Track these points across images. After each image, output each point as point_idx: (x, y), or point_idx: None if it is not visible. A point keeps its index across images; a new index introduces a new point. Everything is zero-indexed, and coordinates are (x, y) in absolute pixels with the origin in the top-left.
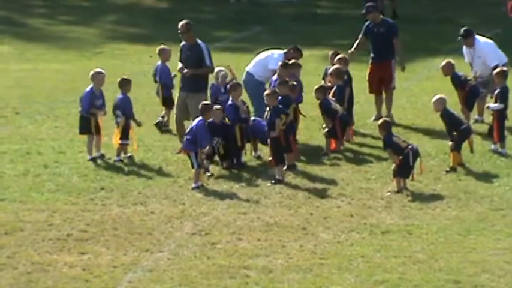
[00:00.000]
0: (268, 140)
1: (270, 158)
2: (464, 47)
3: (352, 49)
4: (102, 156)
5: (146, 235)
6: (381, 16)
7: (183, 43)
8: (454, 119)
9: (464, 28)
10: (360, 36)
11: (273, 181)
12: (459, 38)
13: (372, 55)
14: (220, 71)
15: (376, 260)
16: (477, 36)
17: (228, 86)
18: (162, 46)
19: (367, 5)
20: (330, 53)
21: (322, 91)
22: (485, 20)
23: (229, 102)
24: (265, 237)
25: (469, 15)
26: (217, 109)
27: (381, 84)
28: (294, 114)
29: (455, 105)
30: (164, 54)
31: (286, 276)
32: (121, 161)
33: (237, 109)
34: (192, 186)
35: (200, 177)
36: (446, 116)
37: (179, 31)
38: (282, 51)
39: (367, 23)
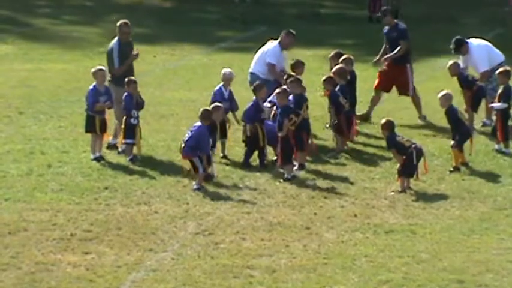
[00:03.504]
0: (279, 140)
1: (275, 157)
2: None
3: (377, 57)
4: (101, 158)
5: (150, 235)
6: (395, 20)
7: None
8: (458, 120)
9: (454, 39)
10: (384, 46)
11: (281, 180)
12: (452, 50)
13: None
14: (225, 73)
15: (379, 259)
16: (470, 41)
17: (253, 86)
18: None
19: (383, 8)
20: (333, 53)
21: (331, 82)
22: (488, 20)
23: (253, 101)
24: (268, 237)
25: (472, 15)
26: (219, 107)
27: (390, 83)
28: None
29: (458, 105)
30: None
31: (290, 276)
32: (135, 157)
33: (259, 109)
34: (194, 187)
35: (202, 180)
36: (451, 113)
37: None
38: (275, 43)
39: (384, 29)
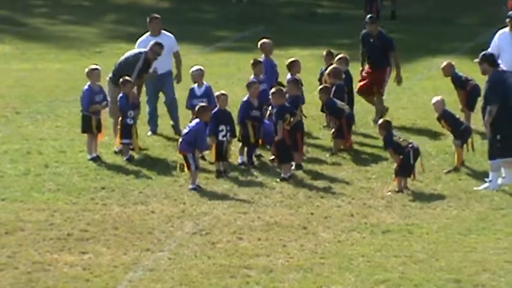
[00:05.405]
0: (274, 139)
1: (272, 157)
2: (498, 32)
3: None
4: (98, 158)
5: (147, 234)
6: (379, 28)
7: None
8: (455, 119)
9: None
10: (361, 50)
11: (278, 180)
12: (507, 19)
13: (367, 61)
14: (194, 70)
15: (376, 259)
16: None
17: (246, 84)
18: (264, 40)
19: (370, 15)
20: (324, 53)
21: (326, 91)
22: (485, 20)
23: (245, 98)
24: (265, 236)
25: (469, 15)
26: (223, 95)
27: (371, 87)
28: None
29: (453, 104)
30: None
31: (286, 276)
32: (131, 157)
33: (251, 107)
34: (190, 187)
35: (196, 178)
36: (447, 116)
37: None
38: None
39: (363, 33)
